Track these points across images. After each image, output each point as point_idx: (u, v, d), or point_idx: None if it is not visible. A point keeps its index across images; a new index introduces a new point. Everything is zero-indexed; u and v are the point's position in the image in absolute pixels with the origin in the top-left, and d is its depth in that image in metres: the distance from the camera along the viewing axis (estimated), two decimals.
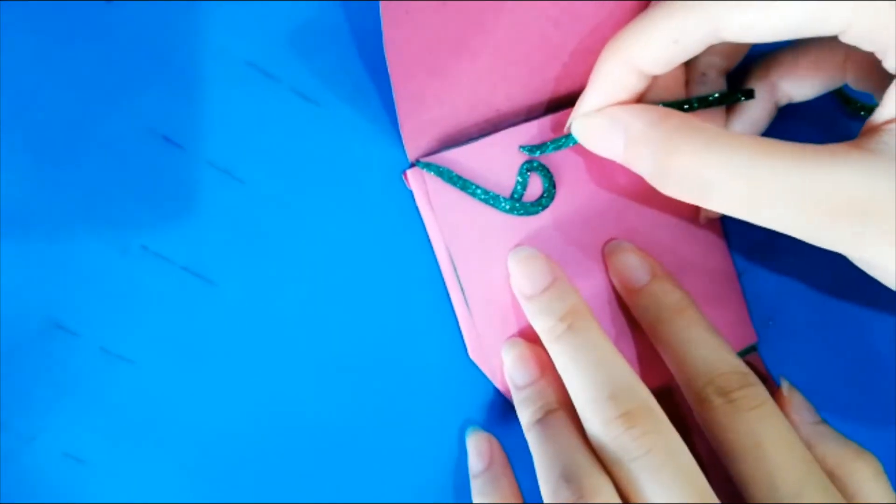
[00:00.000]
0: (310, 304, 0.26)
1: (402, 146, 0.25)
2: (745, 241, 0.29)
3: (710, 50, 0.23)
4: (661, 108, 0.23)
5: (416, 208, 0.26)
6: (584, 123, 0.23)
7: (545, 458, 0.22)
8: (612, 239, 0.27)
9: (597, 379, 0.22)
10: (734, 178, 0.20)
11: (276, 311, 0.26)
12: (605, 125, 0.23)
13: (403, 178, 0.26)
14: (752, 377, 0.23)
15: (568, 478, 0.21)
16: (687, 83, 0.25)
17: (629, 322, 0.27)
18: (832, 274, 0.29)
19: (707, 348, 0.23)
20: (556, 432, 0.23)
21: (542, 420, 0.23)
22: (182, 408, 0.26)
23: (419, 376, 0.27)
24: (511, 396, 0.26)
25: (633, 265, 0.25)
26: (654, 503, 0.21)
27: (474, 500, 0.25)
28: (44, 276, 0.24)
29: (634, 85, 0.23)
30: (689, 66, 0.25)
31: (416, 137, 0.25)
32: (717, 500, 0.21)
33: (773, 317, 0.29)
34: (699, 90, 0.25)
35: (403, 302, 0.27)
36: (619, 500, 0.21)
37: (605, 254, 0.26)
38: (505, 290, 0.26)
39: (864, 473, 0.23)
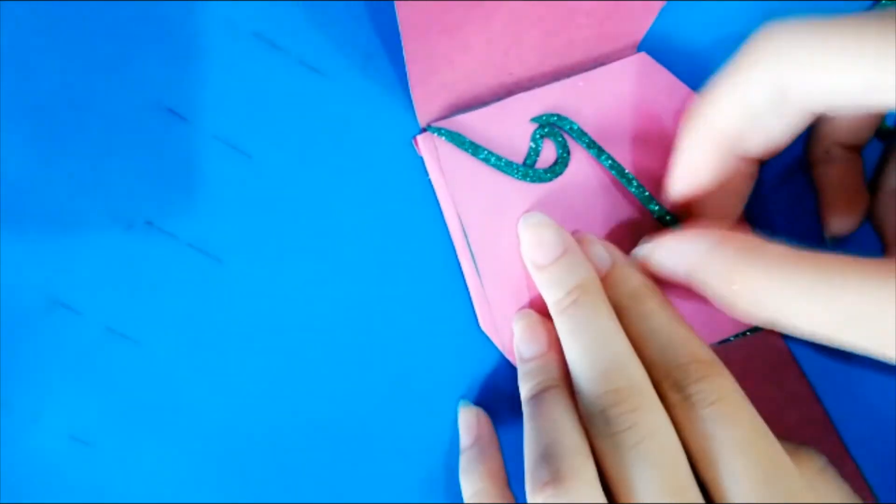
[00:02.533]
0: (319, 280, 0.25)
1: (414, 115, 0.25)
2: (757, 226, 0.28)
3: (832, 125, 0.24)
4: (718, 233, 0.22)
5: (428, 178, 0.26)
6: (650, 253, 0.24)
7: (532, 434, 0.22)
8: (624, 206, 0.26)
9: (592, 354, 0.22)
10: (800, 303, 0.20)
11: (284, 288, 0.25)
12: (667, 254, 0.23)
13: (413, 143, 0.26)
14: (716, 365, 0.21)
15: (549, 457, 0.21)
16: (813, 163, 0.26)
17: None
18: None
19: (665, 338, 0.22)
20: (550, 408, 0.22)
21: (539, 395, 0.23)
22: (189, 388, 0.25)
23: (430, 348, 0.26)
24: None
25: (595, 252, 0.24)
26: (631, 480, 0.20)
27: (460, 476, 0.25)
28: (46, 253, 0.24)
29: (718, 154, 0.23)
30: (812, 144, 0.25)
31: (427, 101, 0.25)
32: (694, 484, 0.20)
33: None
34: (825, 168, 0.25)
35: (415, 273, 0.26)
36: (597, 482, 0.20)
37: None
38: (517, 258, 0.25)
39: (808, 471, 0.22)
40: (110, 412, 0.25)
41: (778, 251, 0.21)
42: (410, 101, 0.24)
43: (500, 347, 0.26)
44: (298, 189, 0.25)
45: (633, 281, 0.24)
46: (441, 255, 0.26)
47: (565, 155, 0.26)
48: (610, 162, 0.25)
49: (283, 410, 0.25)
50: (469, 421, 0.25)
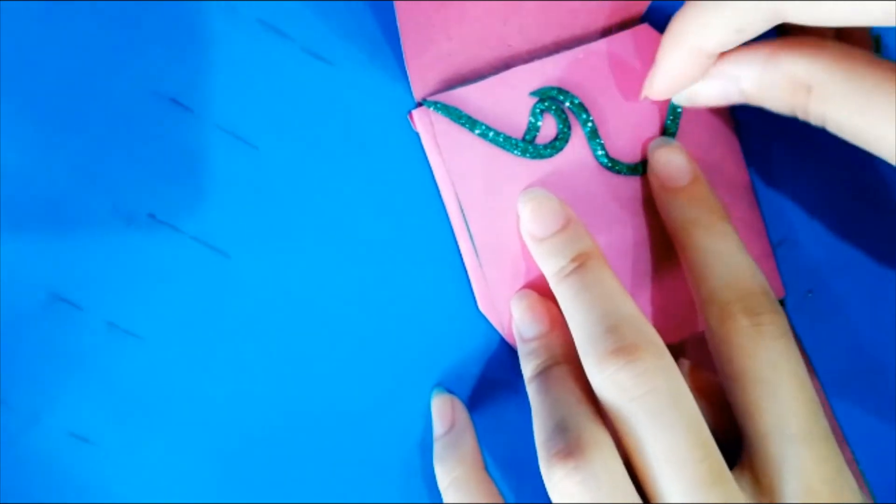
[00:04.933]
0: (323, 271, 0.25)
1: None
2: (785, 210, 0.27)
3: None
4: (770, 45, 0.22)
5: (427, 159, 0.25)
6: (696, 90, 0.23)
7: (542, 411, 0.21)
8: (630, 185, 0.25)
9: (597, 311, 0.21)
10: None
11: (289, 280, 0.25)
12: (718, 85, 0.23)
13: (409, 119, 0.25)
14: (777, 303, 0.22)
15: (563, 430, 0.20)
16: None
17: (647, 278, 0.26)
18: (879, 247, 0.28)
19: (739, 262, 0.22)
20: (557, 385, 0.22)
21: (544, 372, 0.22)
22: (192, 385, 0.24)
23: (429, 330, 0.26)
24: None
25: (678, 163, 0.24)
26: (653, 453, 0.20)
27: (435, 464, 0.24)
28: (46, 247, 0.23)
29: (701, 66, 0.22)
30: None
31: (422, 74, 0.24)
32: (720, 455, 0.20)
33: (812, 289, 0.27)
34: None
35: (414, 257, 0.26)
36: (616, 454, 0.20)
37: (649, 149, 0.25)
38: (516, 237, 0.25)
39: None
40: (112, 409, 0.24)
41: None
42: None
43: (499, 329, 0.25)
44: (304, 179, 0.25)
45: (713, 200, 0.23)
46: (441, 238, 0.26)
47: (566, 130, 0.25)
48: (602, 151, 0.25)
49: (289, 404, 0.25)
50: (443, 408, 0.25)
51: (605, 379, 0.20)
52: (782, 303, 0.28)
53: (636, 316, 0.21)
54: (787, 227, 0.27)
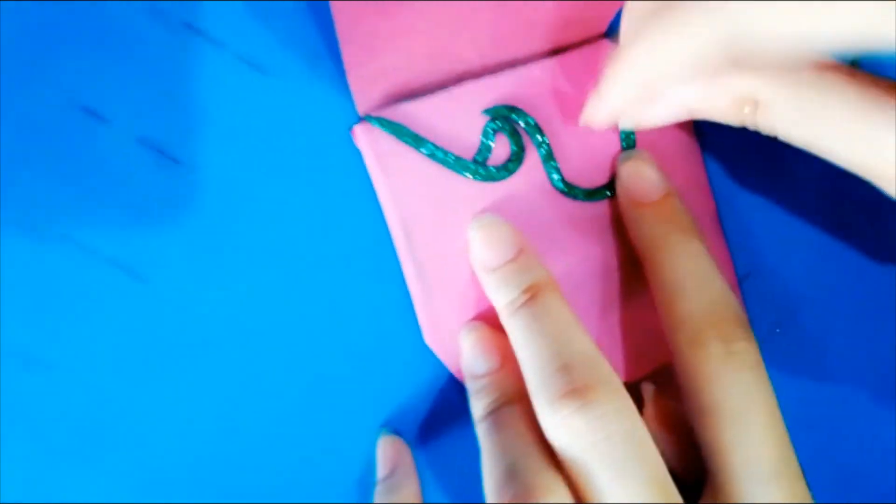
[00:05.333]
0: (255, 303, 0.23)
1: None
2: (751, 241, 0.27)
3: None
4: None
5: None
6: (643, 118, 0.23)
7: (491, 454, 0.20)
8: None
9: (548, 349, 0.20)
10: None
11: (215, 312, 0.23)
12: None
13: (351, 135, 0.23)
14: (751, 331, 0.21)
15: (513, 476, 0.19)
16: None
17: (608, 309, 0.24)
18: (853, 281, 0.27)
19: (714, 285, 0.21)
20: (508, 426, 0.21)
21: (494, 413, 0.21)
22: (107, 417, 0.23)
23: (372, 361, 0.24)
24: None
25: (650, 176, 0.23)
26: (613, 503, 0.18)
27: None
28: None
29: (649, 97, 0.22)
30: None
31: (365, 88, 0.22)
32: (681, 500, 0.19)
33: (780, 323, 0.27)
34: None
35: (356, 283, 0.24)
36: (571, 501, 0.19)
37: (618, 161, 0.24)
38: (465, 266, 0.23)
39: None
40: (23, 439, 0.22)
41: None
42: None
43: (446, 364, 0.24)
44: (233, 199, 0.23)
45: (686, 217, 0.23)
46: (385, 263, 0.24)
47: (520, 151, 0.23)
48: (557, 175, 0.24)
49: (218, 442, 0.23)
50: (386, 451, 0.24)
51: (558, 424, 0.19)
52: None
53: (591, 353, 0.20)
54: (754, 259, 0.27)
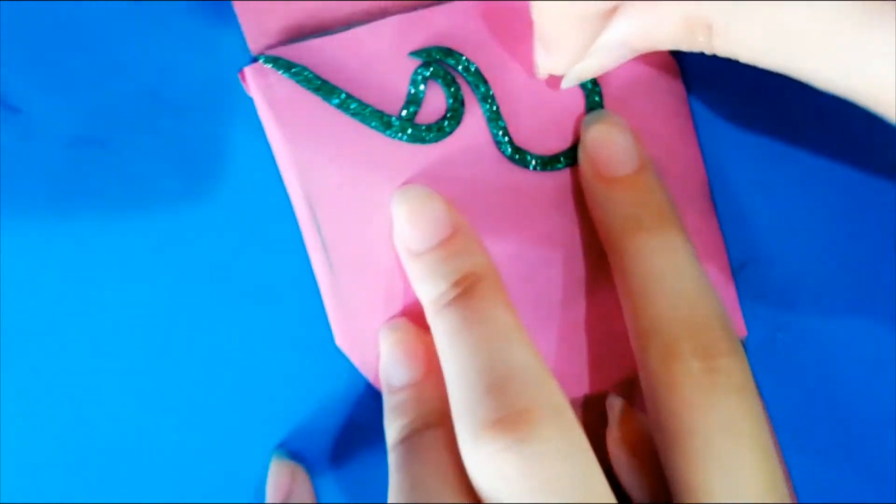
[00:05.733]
0: (128, 292, 0.21)
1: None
2: (750, 224, 0.24)
3: None
4: None
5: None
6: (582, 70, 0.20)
7: (399, 491, 0.18)
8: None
9: (479, 360, 0.17)
10: None
11: (75, 300, 0.21)
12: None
13: (240, 79, 0.20)
14: (738, 341, 0.19)
15: None
16: None
17: (565, 305, 0.21)
18: (860, 270, 0.24)
19: (693, 284, 0.19)
20: (424, 457, 0.18)
21: (410, 438, 0.19)
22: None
23: (269, 365, 0.22)
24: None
25: (621, 144, 0.20)
26: None
27: None
28: None
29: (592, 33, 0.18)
30: None
31: (258, 19, 0.19)
32: None
33: (781, 325, 0.24)
34: None
35: (252, 271, 0.21)
36: None
37: (583, 124, 0.21)
38: (387, 248, 0.20)
39: None
40: None
41: None
42: None
43: (362, 370, 0.21)
44: (90, 158, 0.20)
45: (662, 196, 0.20)
46: (287, 244, 0.21)
47: (458, 107, 0.20)
48: (505, 138, 0.20)
49: (101, 457, 0.22)
50: (280, 477, 0.21)
51: (482, 461, 0.16)
52: (742, 343, 0.23)
53: (532, 367, 0.17)
54: (752, 246, 0.24)
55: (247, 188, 0.21)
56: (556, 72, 0.19)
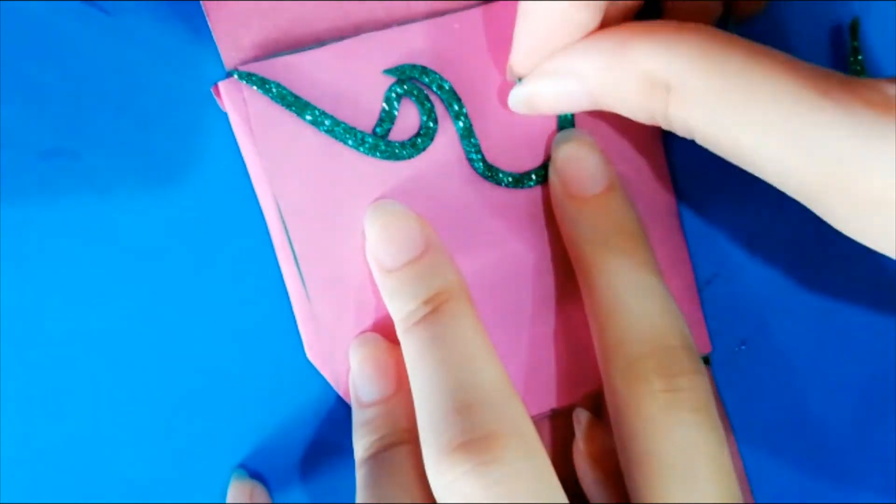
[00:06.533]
0: (99, 304, 0.20)
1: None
2: (715, 239, 0.24)
3: None
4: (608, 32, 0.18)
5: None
6: (532, 91, 0.19)
7: None
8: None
9: (445, 381, 0.17)
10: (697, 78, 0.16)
11: (58, 306, 0.20)
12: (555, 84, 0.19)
13: (214, 94, 0.19)
14: (699, 360, 0.19)
15: None
16: None
17: (534, 319, 0.21)
18: (825, 284, 0.25)
19: (658, 306, 0.19)
20: (392, 474, 0.18)
21: (379, 455, 0.19)
22: None
23: (239, 378, 0.21)
24: None
25: (591, 163, 0.20)
26: None
27: None
28: None
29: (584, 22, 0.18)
30: None
31: (233, 33, 0.19)
32: None
33: (746, 340, 0.24)
34: None
35: (223, 283, 0.21)
36: None
37: (553, 142, 0.21)
38: (359, 263, 0.20)
39: None
40: None
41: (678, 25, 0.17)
42: None
43: (333, 384, 0.21)
44: (65, 171, 0.19)
45: (630, 215, 0.20)
46: (258, 256, 0.21)
47: (431, 124, 0.20)
48: (477, 155, 0.20)
49: (64, 471, 0.21)
50: (239, 497, 0.21)
51: (447, 485, 0.16)
52: (706, 360, 0.24)
53: (499, 389, 0.17)
54: (718, 260, 0.24)
55: (219, 202, 0.20)
56: (523, 67, 0.19)
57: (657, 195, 0.22)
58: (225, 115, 0.19)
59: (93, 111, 0.19)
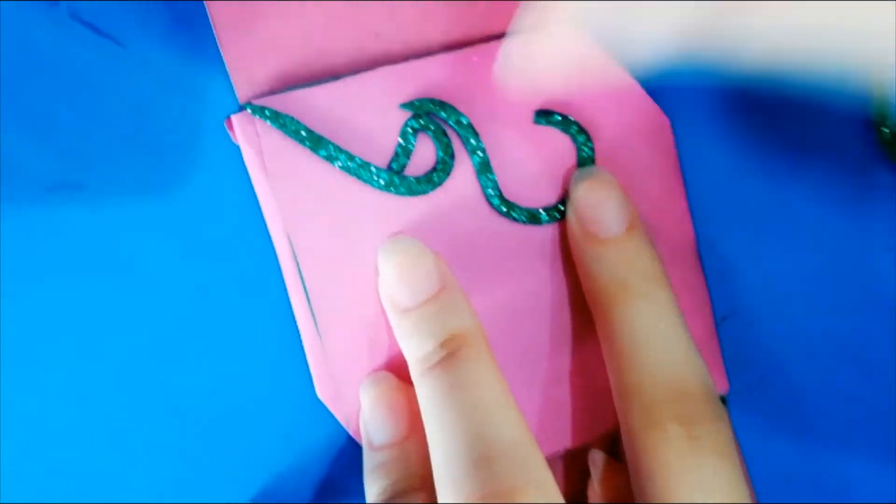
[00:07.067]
0: (108, 341, 0.20)
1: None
2: (732, 276, 0.24)
3: None
4: None
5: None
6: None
7: None
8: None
9: (464, 431, 0.17)
10: None
11: (64, 340, 0.20)
12: None
13: (227, 127, 0.19)
14: (720, 406, 0.19)
15: None
16: None
17: (549, 357, 0.21)
18: (842, 323, 0.24)
19: (678, 350, 0.19)
20: None
21: (391, 502, 0.18)
22: None
23: (249, 418, 0.21)
24: None
25: (611, 203, 0.20)
26: None
27: None
28: None
29: None
30: None
31: (247, 67, 0.19)
32: None
33: (763, 377, 0.24)
34: None
35: (234, 320, 0.21)
36: None
37: (572, 180, 0.20)
38: (372, 301, 0.20)
39: None
40: None
41: None
42: None
43: (343, 423, 0.20)
44: (74, 204, 0.20)
45: (652, 259, 0.20)
46: (270, 293, 0.21)
47: (448, 159, 0.19)
48: (494, 191, 0.20)
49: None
50: None
51: None
52: (723, 400, 0.23)
53: (520, 440, 0.17)
54: (734, 298, 0.24)
55: (232, 236, 0.20)
56: None
57: (677, 234, 0.22)
58: (237, 148, 0.19)
59: (103, 143, 0.19)
